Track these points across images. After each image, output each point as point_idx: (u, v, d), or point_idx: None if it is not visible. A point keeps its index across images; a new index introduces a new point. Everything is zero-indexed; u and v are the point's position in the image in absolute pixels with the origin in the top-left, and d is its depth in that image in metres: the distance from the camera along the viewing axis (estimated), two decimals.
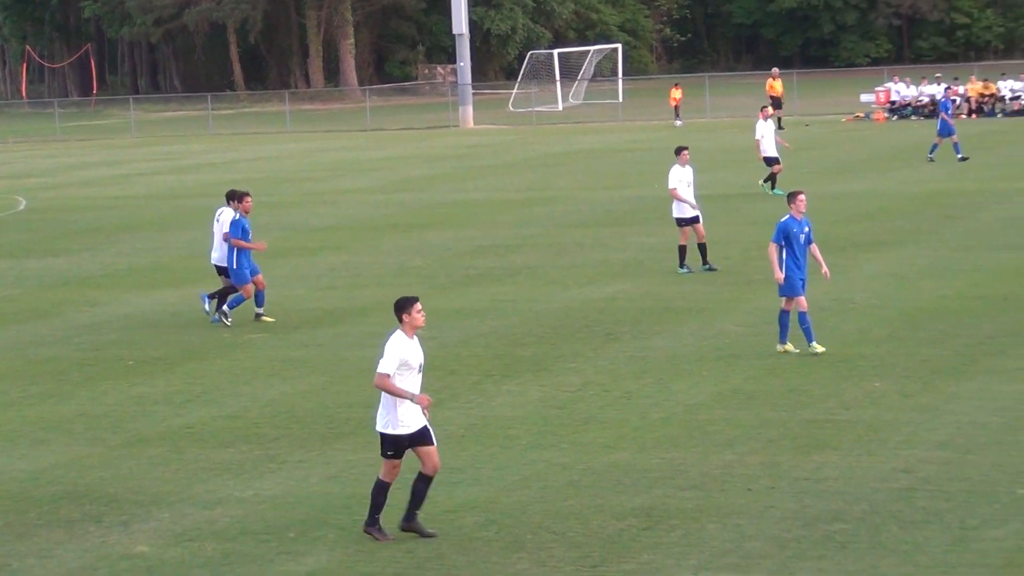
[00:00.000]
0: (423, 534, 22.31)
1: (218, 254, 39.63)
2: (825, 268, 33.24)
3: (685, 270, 43.77)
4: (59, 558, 22.42)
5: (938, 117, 76.36)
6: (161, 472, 26.72)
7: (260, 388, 32.86)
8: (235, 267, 38.50)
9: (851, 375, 31.31)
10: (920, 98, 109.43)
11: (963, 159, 72.80)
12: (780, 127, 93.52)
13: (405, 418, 21.87)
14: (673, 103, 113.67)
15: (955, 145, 73.60)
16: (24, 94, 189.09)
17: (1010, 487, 23.66)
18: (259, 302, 39.48)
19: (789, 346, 33.00)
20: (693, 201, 44.22)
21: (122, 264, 52.01)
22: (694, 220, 44.19)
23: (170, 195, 75.70)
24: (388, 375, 21.85)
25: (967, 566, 20.39)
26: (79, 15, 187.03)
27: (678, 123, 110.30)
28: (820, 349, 32.68)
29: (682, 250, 44.22)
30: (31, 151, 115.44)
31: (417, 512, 22.35)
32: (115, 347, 37.87)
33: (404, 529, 22.37)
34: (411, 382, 22.07)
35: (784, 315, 32.99)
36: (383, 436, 22.16)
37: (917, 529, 21.93)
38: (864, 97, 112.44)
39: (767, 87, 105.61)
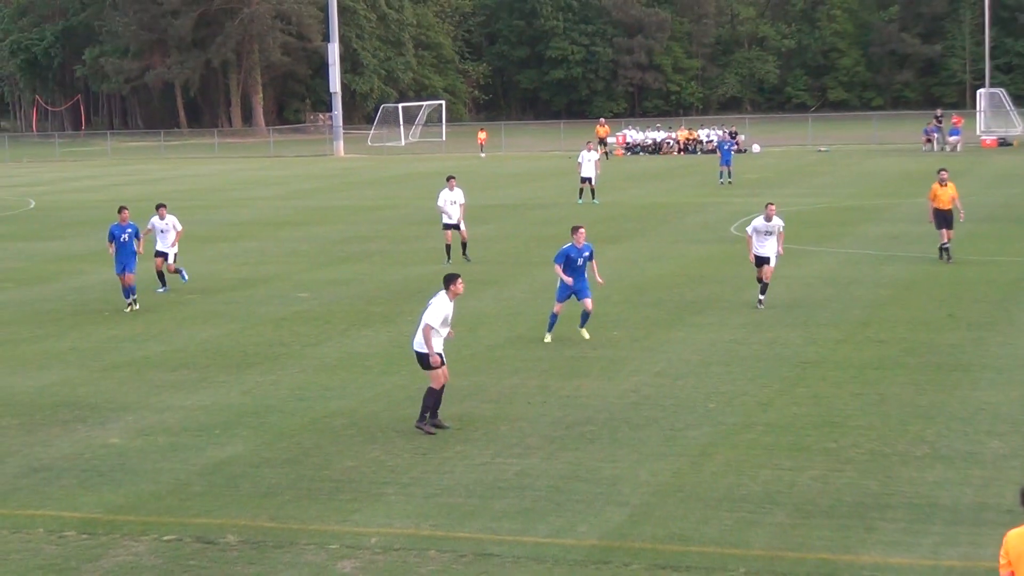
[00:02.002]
0: (442, 426, 22.46)
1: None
2: (600, 279, 30.54)
3: (448, 262, 43.10)
4: (57, 447, 22.17)
5: (722, 153, 75.78)
6: (127, 388, 26.47)
7: (196, 331, 32.59)
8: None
9: (598, 327, 31.39)
10: (646, 140, 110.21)
11: (726, 183, 72.68)
12: (607, 156, 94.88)
13: (437, 347, 22.18)
14: (480, 142, 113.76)
15: (726, 172, 73.73)
16: (35, 129, 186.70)
17: (704, 403, 23.88)
18: (127, 294, 36.13)
19: (548, 338, 29.76)
20: (455, 215, 43.59)
21: (101, 247, 51.20)
22: (455, 226, 43.80)
23: (134, 199, 74.42)
24: (432, 327, 22.10)
25: (675, 455, 20.57)
26: (73, 75, 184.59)
27: (483, 156, 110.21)
28: (586, 336, 29.81)
29: (447, 248, 43.82)
30: (38, 168, 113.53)
31: (426, 415, 22.48)
32: (96, 303, 37.44)
33: (435, 425, 22.49)
34: (442, 331, 22.39)
35: (553, 317, 29.84)
36: (424, 354, 22.21)
37: (641, 430, 22.09)
38: (609, 139, 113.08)
39: (596, 131, 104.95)
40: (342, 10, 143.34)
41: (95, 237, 54.50)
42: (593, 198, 63.14)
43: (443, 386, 22.52)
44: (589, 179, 63.45)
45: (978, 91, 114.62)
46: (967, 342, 28.65)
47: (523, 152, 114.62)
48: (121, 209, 36.88)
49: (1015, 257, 40.96)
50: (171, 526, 17.93)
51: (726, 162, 74.47)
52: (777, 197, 62.82)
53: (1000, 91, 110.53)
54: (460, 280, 22.96)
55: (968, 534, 16.76)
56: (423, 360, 22.40)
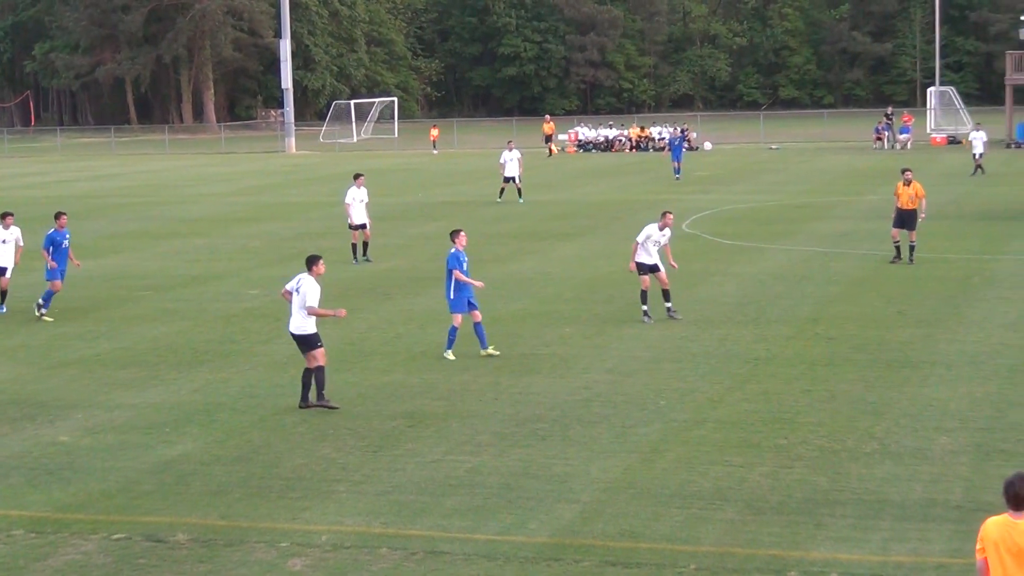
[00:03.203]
0: (329, 406, 23.85)
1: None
2: (478, 283, 28.61)
3: (356, 263, 43.27)
4: (5, 445, 22.06)
5: (672, 149, 79.11)
6: (77, 386, 26.36)
7: (146, 328, 32.48)
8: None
9: (550, 323, 31.54)
10: (598, 138, 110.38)
11: (678, 179, 74.37)
12: (561, 151, 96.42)
13: (313, 326, 24.08)
14: (432, 138, 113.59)
15: (677, 168, 75.64)
16: None
17: (655, 399, 23.96)
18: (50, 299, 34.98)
19: (450, 354, 28.11)
20: (364, 214, 43.68)
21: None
22: (362, 227, 43.75)
23: (85, 196, 74.41)
24: (315, 306, 23.84)
25: (626, 452, 20.64)
26: (22, 70, 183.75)
27: (435, 152, 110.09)
28: (495, 352, 28.20)
29: (353, 247, 43.84)
30: None
31: (323, 392, 23.95)
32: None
33: (314, 405, 23.87)
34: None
35: (453, 330, 28.13)
36: (309, 336, 23.88)
37: (593, 427, 22.15)
38: (560, 136, 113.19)
39: (543, 128, 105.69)
40: (294, 6, 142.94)
41: (44, 234, 54.19)
42: (519, 197, 63.05)
43: (319, 367, 23.98)
44: (513, 178, 63.42)
45: (928, 89, 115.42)
46: (916, 339, 28.82)
47: (475, 149, 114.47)
48: (59, 215, 35.81)
49: (964, 254, 41.22)
50: (120, 524, 17.87)
51: (676, 158, 76.28)
52: (729, 194, 63.31)
53: (950, 89, 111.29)
54: (322, 260, 24.82)
55: (917, 530, 16.86)
56: (306, 341, 23.91)
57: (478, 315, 28.34)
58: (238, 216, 60.37)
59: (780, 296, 34.58)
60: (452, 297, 28.11)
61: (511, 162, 63.34)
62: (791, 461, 19.85)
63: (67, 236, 35.48)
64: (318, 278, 24.29)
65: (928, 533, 16.76)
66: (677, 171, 75.64)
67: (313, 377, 23.88)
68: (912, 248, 39.65)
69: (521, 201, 62.31)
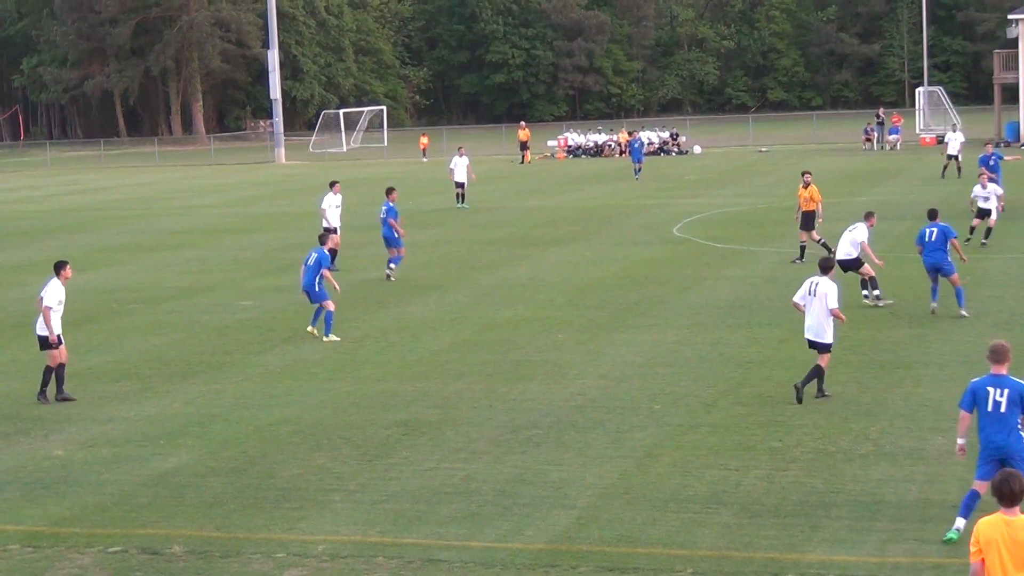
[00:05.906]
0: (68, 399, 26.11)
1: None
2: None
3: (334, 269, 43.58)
4: (0, 460, 22.07)
5: (632, 151, 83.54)
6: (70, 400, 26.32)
7: (139, 341, 32.42)
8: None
9: (543, 329, 31.52)
10: (587, 143, 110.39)
11: (637, 179, 77.39)
12: (525, 160, 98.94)
13: (56, 328, 25.93)
14: (422, 147, 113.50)
15: (638, 170, 79.25)
16: None
17: (648, 404, 23.96)
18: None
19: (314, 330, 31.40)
20: (338, 219, 44.49)
21: (42, 256, 50.94)
22: (334, 231, 43.76)
23: (74, 209, 74.30)
24: (51, 308, 25.71)
25: (620, 457, 20.64)
26: (11, 84, 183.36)
27: (424, 160, 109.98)
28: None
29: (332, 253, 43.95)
30: None
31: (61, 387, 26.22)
32: (37, 315, 36.99)
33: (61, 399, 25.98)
34: (58, 310, 25.95)
35: (330, 315, 31.31)
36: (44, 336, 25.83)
37: (587, 433, 22.14)
38: (550, 142, 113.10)
39: (518, 134, 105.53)
40: (281, 17, 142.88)
41: (35, 248, 54.23)
42: (463, 202, 63.96)
43: (60, 364, 25.96)
44: (463, 183, 64.26)
45: (917, 89, 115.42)
46: (909, 339, 28.85)
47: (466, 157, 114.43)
48: (390, 190, 42.37)
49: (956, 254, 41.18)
50: (116, 538, 17.85)
51: (637, 159, 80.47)
52: (719, 198, 63.35)
53: (939, 89, 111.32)
54: (69, 266, 26.69)
55: (913, 530, 16.87)
56: (43, 342, 25.84)
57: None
58: (229, 227, 60.31)
59: (772, 299, 34.58)
60: (318, 289, 31.25)
61: (460, 168, 64.31)
62: (786, 464, 19.86)
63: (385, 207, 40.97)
64: (66, 282, 26.34)
65: (925, 533, 16.76)
66: (637, 172, 78.83)
67: (55, 374, 26.08)
68: (803, 248, 40.96)
69: (466, 207, 63.12)
